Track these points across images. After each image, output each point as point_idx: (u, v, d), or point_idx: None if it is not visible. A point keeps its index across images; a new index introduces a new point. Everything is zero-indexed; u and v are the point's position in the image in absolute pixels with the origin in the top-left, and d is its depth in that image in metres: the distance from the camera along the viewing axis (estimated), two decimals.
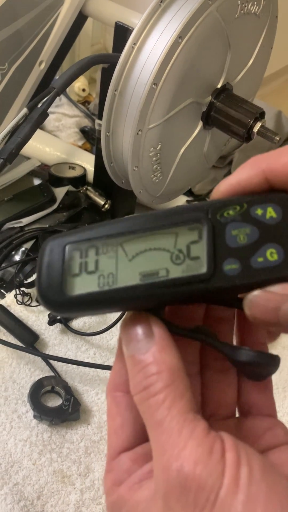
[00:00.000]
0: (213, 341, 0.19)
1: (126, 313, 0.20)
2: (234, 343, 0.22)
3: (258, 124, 0.57)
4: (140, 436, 0.19)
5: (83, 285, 0.19)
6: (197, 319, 0.21)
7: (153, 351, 0.18)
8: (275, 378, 0.61)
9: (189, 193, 0.83)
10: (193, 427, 0.16)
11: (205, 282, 0.18)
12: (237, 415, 0.22)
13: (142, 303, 0.19)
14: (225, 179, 0.19)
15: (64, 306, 0.19)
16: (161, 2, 0.50)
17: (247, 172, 0.18)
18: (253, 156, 0.19)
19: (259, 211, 0.18)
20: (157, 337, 0.18)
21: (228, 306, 0.21)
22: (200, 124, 0.60)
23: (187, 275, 0.18)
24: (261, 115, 0.57)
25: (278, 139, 0.57)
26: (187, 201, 0.81)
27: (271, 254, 0.18)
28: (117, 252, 0.19)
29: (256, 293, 0.17)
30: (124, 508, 0.18)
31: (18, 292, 0.61)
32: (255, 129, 0.57)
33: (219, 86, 0.58)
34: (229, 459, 0.16)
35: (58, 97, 0.56)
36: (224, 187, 0.19)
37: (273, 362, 0.19)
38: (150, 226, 0.18)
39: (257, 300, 0.17)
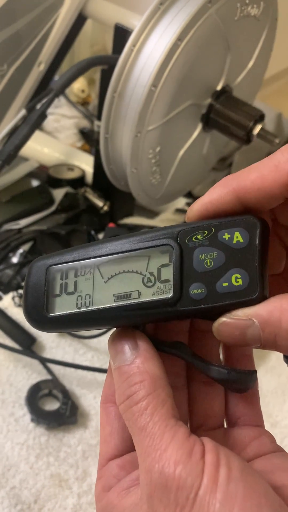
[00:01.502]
0: (188, 357, 0.20)
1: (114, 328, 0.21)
2: (222, 355, 0.22)
3: (258, 127, 0.57)
4: (128, 444, 0.20)
5: (63, 305, 0.20)
6: (182, 332, 0.22)
7: (137, 362, 0.19)
8: (274, 382, 0.60)
9: (188, 195, 0.83)
10: (174, 432, 0.17)
11: (172, 306, 0.19)
12: (225, 426, 0.22)
13: (116, 323, 0.20)
14: (198, 199, 0.20)
15: (46, 325, 0.20)
16: (160, 4, 0.50)
17: (219, 192, 0.19)
18: (225, 176, 0.19)
19: (226, 236, 0.18)
20: (141, 349, 0.19)
21: (208, 320, 0.21)
22: (200, 126, 0.60)
23: (156, 299, 0.19)
24: (260, 117, 0.57)
25: (277, 141, 0.57)
26: (187, 203, 0.81)
27: (236, 279, 0.18)
28: (94, 274, 0.20)
29: (221, 320, 0.18)
30: None
31: (16, 294, 0.61)
32: (255, 131, 0.57)
33: (218, 88, 0.58)
34: (208, 460, 0.16)
35: (57, 98, 0.56)
36: (197, 206, 0.19)
37: (247, 378, 0.20)
38: (125, 249, 0.19)
39: (223, 328, 0.18)
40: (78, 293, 0.20)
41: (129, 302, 0.19)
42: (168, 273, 0.19)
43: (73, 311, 0.19)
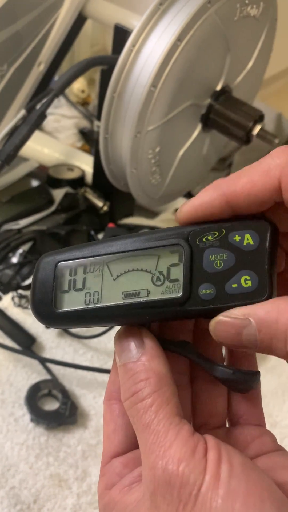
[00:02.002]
0: (194, 356, 0.20)
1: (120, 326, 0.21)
2: (225, 354, 0.23)
3: (258, 127, 0.57)
4: (131, 442, 0.20)
5: (71, 301, 0.20)
6: (187, 330, 0.22)
7: (143, 360, 0.19)
8: (274, 382, 0.60)
9: (188, 195, 0.83)
10: (178, 430, 0.17)
11: (181, 305, 0.19)
12: (227, 425, 0.22)
13: (124, 321, 0.20)
14: (188, 200, 0.20)
15: (54, 320, 0.20)
16: (160, 4, 0.50)
17: (209, 195, 0.19)
18: (216, 180, 0.19)
19: (237, 238, 0.19)
20: (147, 347, 0.19)
21: (209, 318, 0.22)
22: (199, 126, 0.60)
23: (164, 298, 0.19)
24: (260, 117, 0.57)
25: (277, 141, 0.57)
26: None
27: (245, 281, 0.18)
28: (103, 271, 0.20)
29: (218, 319, 0.18)
30: (114, 510, 0.19)
31: (15, 294, 0.61)
32: (254, 131, 0.57)
33: (218, 88, 0.58)
34: (210, 457, 0.17)
35: (57, 98, 0.56)
36: (187, 208, 0.19)
37: (251, 379, 0.20)
38: (135, 248, 0.19)
39: (219, 326, 0.18)
40: (87, 290, 0.20)
41: (137, 300, 0.19)
42: (177, 273, 0.19)
43: (81, 307, 0.20)
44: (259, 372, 0.20)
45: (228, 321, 0.18)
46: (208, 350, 0.22)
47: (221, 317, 0.18)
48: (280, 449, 0.20)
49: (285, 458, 0.19)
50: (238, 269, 0.18)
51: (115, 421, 0.21)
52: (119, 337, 0.20)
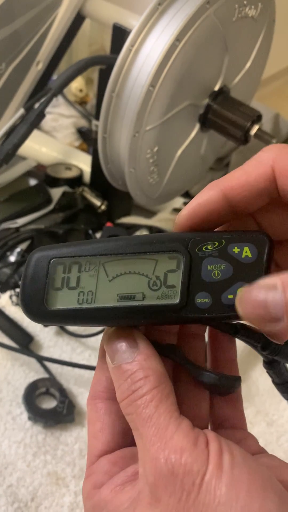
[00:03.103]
0: (181, 360, 0.21)
1: (106, 327, 0.21)
2: (208, 358, 0.23)
3: (255, 127, 0.57)
4: (118, 441, 0.20)
5: (64, 300, 0.19)
6: (172, 333, 0.22)
7: (139, 359, 0.19)
8: (270, 381, 0.61)
9: (186, 195, 0.83)
10: (179, 423, 0.17)
11: (177, 312, 0.19)
12: (209, 428, 0.22)
13: (117, 323, 0.20)
14: (187, 205, 0.20)
15: (44, 318, 0.20)
16: (159, 4, 0.51)
17: (206, 194, 0.19)
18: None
19: (236, 249, 0.19)
20: (141, 347, 0.19)
21: (203, 324, 0.22)
22: (197, 126, 0.60)
23: (160, 303, 0.19)
24: (258, 117, 0.58)
25: (274, 141, 0.57)
26: (184, 203, 0.81)
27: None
28: (99, 272, 0.19)
29: (244, 289, 0.17)
30: (105, 510, 0.18)
31: (13, 293, 0.61)
32: (252, 131, 0.57)
33: (216, 88, 0.58)
34: (212, 448, 0.17)
35: (55, 98, 0.56)
36: (185, 211, 0.20)
37: (235, 384, 0.20)
38: (132, 250, 0.19)
39: (246, 295, 0.17)
40: (80, 289, 0.19)
41: (132, 303, 0.19)
42: (175, 279, 0.19)
43: (74, 307, 0.19)
44: (240, 377, 0.21)
45: (254, 288, 0.17)
46: (192, 354, 0.22)
47: (245, 288, 0.17)
48: (263, 451, 0.21)
49: (270, 459, 0.20)
50: (235, 281, 0.19)
51: (102, 420, 0.20)
52: (109, 339, 0.20)
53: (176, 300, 0.19)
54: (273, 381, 0.25)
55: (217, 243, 0.19)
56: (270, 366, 0.24)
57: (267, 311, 0.16)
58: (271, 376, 0.25)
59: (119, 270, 0.19)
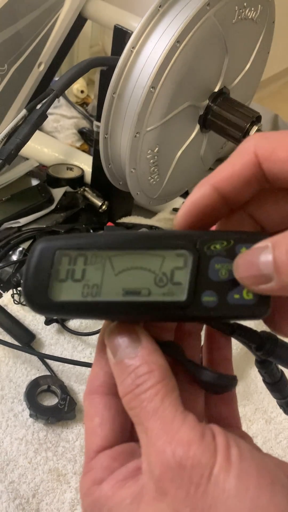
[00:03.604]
0: (181, 357, 0.21)
1: (105, 322, 0.21)
2: (203, 357, 0.23)
3: (254, 128, 0.58)
4: (118, 436, 0.20)
5: (68, 292, 0.19)
6: (170, 330, 0.22)
7: (142, 354, 0.19)
8: None
9: (186, 195, 0.84)
10: (184, 416, 0.17)
11: (183, 309, 0.19)
12: None
13: (121, 317, 0.20)
14: (182, 205, 0.20)
15: (46, 309, 0.19)
16: (159, 6, 0.51)
17: (198, 191, 0.20)
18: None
19: (244, 250, 0.19)
20: (144, 342, 0.19)
21: (206, 323, 0.22)
22: (197, 127, 0.61)
23: (166, 300, 0.19)
24: (257, 119, 0.58)
25: None
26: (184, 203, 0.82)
27: (247, 293, 0.19)
28: (105, 265, 0.19)
29: (239, 255, 0.18)
30: (106, 506, 0.18)
31: (15, 291, 0.61)
32: (251, 132, 0.58)
33: (216, 90, 0.59)
34: (219, 441, 0.17)
35: (57, 99, 0.56)
36: (181, 211, 0.20)
37: (232, 383, 0.21)
38: (140, 245, 0.19)
39: (240, 259, 0.18)
40: (85, 282, 0.19)
41: (138, 299, 0.19)
42: (181, 277, 0.19)
43: (78, 299, 0.19)
44: (236, 377, 0.21)
45: (248, 251, 0.18)
46: (188, 352, 0.22)
47: (241, 254, 0.18)
48: (258, 449, 0.21)
49: (268, 455, 0.20)
50: None
51: (101, 415, 0.20)
52: (111, 334, 0.20)
53: (183, 298, 0.19)
54: (264, 380, 0.26)
55: (225, 243, 0.19)
56: (262, 365, 0.24)
57: (260, 271, 0.17)
58: (262, 376, 0.25)
59: (126, 264, 0.19)
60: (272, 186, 0.19)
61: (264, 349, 0.23)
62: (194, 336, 0.23)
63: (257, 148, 0.18)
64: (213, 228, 0.21)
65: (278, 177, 0.18)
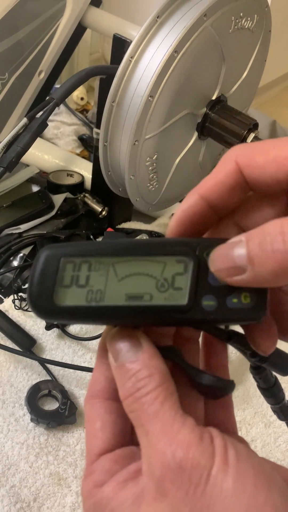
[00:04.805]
0: (181, 362, 0.21)
1: (106, 327, 0.21)
2: (200, 362, 0.24)
3: (252, 135, 0.58)
4: (119, 439, 0.20)
5: (72, 297, 0.20)
6: (169, 336, 0.23)
7: (143, 358, 0.19)
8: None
9: None
10: (184, 420, 0.18)
11: (184, 313, 0.20)
12: None
13: (124, 322, 0.20)
14: (173, 215, 0.21)
15: (51, 314, 0.20)
16: (157, 17, 0.52)
17: (187, 201, 0.21)
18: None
19: None
20: (145, 347, 0.20)
21: (198, 329, 0.23)
22: (195, 134, 0.62)
23: (168, 304, 0.20)
24: (254, 126, 0.59)
25: None
26: None
27: (245, 297, 0.19)
28: (108, 271, 0.20)
29: (214, 249, 0.19)
30: (107, 507, 0.18)
31: (16, 297, 0.62)
32: (249, 139, 0.59)
33: (214, 97, 0.60)
34: (217, 443, 0.17)
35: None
36: (173, 221, 0.21)
37: (230, 387, 0.21)
38: (142, 252, 0.20)
39: (215, 254, 0.19)
40: (89, 288, 0.20)
41: (140, 303, 0.19)
42: (182, 282, 0.20)
43: (82, 304, 0.20)
44: (234, 381, 0.22)
45: (223, 245, 0.19)
46: (186, 357, 0.22)
47: (216, 248, 0.19)
48: (255, 453, 0.21)
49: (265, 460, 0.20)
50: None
51: (102, 419, 0.20)
52: (112, 339, 0.20)
53: (184, 302, 0.19)
54: (258, 386, 0.26)
55: None
56: (257, 371, 0.25)
57: (234, 263, 0.18)
58: (257, 381, 0.26)
59: (129, 270, 0.20)
60: (255, 193, 0.20)
61: (258, 355, 0.23)
62: (192, 342, 0.23)
63: (238, 157, 0.19)
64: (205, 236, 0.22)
65: (259, 182, 0.19)
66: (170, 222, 0.21)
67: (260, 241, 0.17)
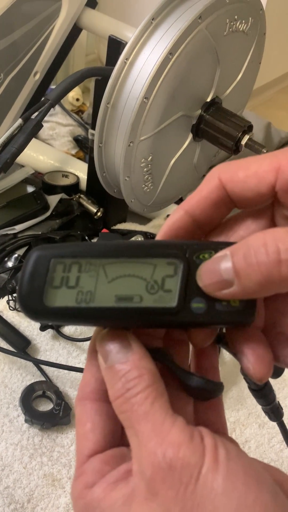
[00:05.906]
0: (171, 363, 0.21)
1: (96, 329, 0.21)
2: (190, 364, 0.24)
3: (246, 137, 0.59)
4: (109, 441, 0.20)
5: (62, 298, 0.20)
6: (158, 338, 0.23)
7: (133, 359, 0.19)
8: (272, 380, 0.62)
9: (180, 201, 0.85)
10: (174, 419, 0.18)
11: (173, 315, 0.20)
12: None
13: (114, 323, 0.20)
14: (160, 229, 0.22)
15: (41, 315, 0.20)
16: (152, 19, 0.52)
17: (173, 216, 0.22)
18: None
19: None
20: (134, 348, 0.20)
21: (189, 330, 0.23)
22: (190, 136, 0.62)
23: (157, 306, 0.20)
24: (249, 128, 0.59)
25: (265, 151, 0.59)
26: None
27: (234, 300, 0.20)
28: (98, 273, 0.20)
29: (202, 265, 0.20)
30: (98, 508, 0.18)
31: (10, 298, 0.62)
32: (243, 141, 0.59)
33: (208, 100, 0.60)
34: (207, 442, 0.17)
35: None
36: (160, 234, 0.22)
37: (218, 389, 0.21)
38: (132, 254, 0.20)
39: (203, 269, 0.19)
40: (79, 289, 0.19)
41: (130, 305, 0.19)
42: (172, 284, 0.20)
43: (72, 305, 0.19)
44: (223, 384, 0.22)
45: (209, 260, 0.19)
46: (177, 359, 0.22)
47: (204, 263, 0.20)
48: (245, 454, 0.21)
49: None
50: None
51: (92, 420, 0.20)
52: (102, 340, 0.20)
53: (173, 304, 0.19)
54: (249, 387, 0.26)
55: (213, 252, 0.20)
56: None
57: (221, 277, 0.18)
58: (248, 382, 0.26)
59: (119, 272, 0.20)
60: (238, 208, 0.21)
61: None
62: (182, 344, 0.23)
63: (221, 173, 0.20)
64: None
65: (241, 197, 0.20)
66: (157, 234, 0.22)
67: (244, 254, 0.18)
